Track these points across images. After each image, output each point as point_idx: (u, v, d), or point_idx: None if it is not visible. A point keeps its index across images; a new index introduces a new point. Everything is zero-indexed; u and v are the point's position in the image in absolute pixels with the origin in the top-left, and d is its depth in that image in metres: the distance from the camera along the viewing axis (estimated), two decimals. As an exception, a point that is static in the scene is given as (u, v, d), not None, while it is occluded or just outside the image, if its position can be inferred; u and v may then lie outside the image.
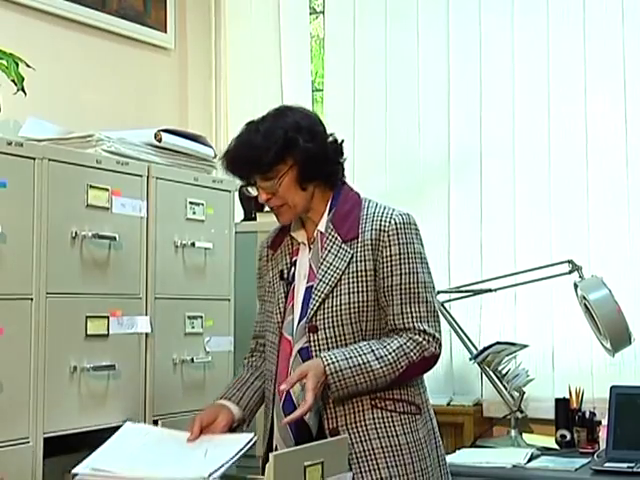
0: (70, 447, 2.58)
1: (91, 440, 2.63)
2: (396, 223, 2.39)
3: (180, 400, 2.85)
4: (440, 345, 2.39)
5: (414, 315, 2.37)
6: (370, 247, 2.38)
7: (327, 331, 2.36)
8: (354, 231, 2.41)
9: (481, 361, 3.47)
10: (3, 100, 2.66)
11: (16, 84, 2.66)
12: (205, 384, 2.94)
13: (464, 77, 3.85)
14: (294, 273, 2.46)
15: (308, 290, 2.41)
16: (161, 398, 2.77)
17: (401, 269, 2.37)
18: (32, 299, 2.38)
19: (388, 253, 2.38)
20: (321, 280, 2.38)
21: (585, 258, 3.52)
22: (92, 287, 2.57)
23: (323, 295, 2.37)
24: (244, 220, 3.63)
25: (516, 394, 3.47)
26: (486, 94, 3.80)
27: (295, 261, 2.47)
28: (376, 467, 2.33)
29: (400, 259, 2.38)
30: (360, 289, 2.37)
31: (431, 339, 2.36)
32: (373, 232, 2.39)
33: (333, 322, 2.35)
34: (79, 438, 2.56)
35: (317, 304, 2.37)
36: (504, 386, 3.48)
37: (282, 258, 2.50)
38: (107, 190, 2.61)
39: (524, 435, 3.47)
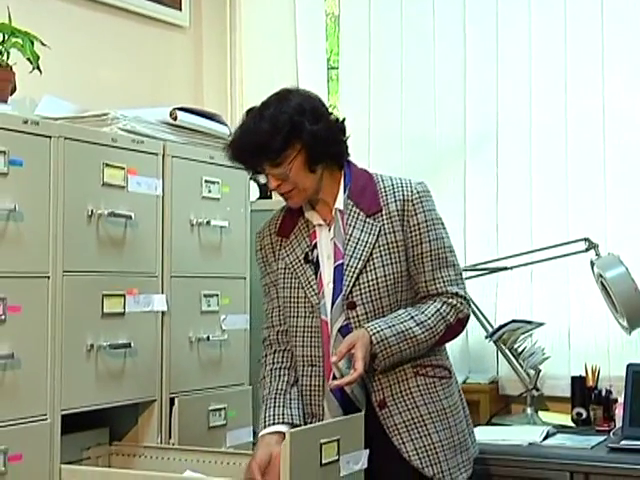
0: (87, 425, 2.61)
1: (108, 417, 2.66)
2: (418, 192, 2.45)
3: (196, 378, 2.86)
4: (470, 306, 2.50)
5: (445, 279, 2.44)
6: (397, 218, 2.42)
7: (365, 306, 2.39)
8: (376, 205, 2.44)
9: (497, 339, 3.47)
10: (19, 79, 2.67)
11: (31, 62, 2.66)
12: (221, 362, 2.95)
13: (481, 53, 3.81)
14: (318, 254, 2.47)
15: (338, 268, 2.42)
16: (177, 376, 2.78)
17: (429, 236, 2.43)
18: (49, 277, 2.39)
19: (415, 222, 2.43)
20: (352, 256, 2.41)
21: (602, 236, 3.49)
22: (108, 265, 2.57)
23: (357, 271, 2.40)
24: (259, 198, 3.62)
25: (532, 372, 3.47)
26: (503, 71, 3.77)
27: (316, 243, 2.48)
28: (426, 433, 2.41)
29: (427, 226, 2.44)
30: (393, 260, 2.41)
31: (463, 301, 2.45)
32: (398, 203, 2.43)
33: (370, 296, 2.39)
34: (96, 415, 2.58)
35: (352, 280, 2.39)
36: (520, 364, 3.48)
37: (300, 242, 2.50)
38: (123, 168, 2.61)
39: (540, 413, 3.46)
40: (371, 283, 2.39)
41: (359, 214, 2.44)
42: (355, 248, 2.41)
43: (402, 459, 2.39)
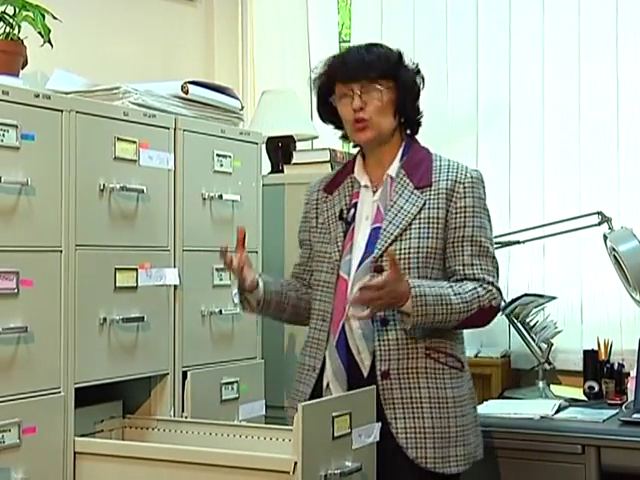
0: (100, 398, 2.62)
1: (121, 391, 2.68)
2: (472, 177, 2.48)
3: (209, 351, 2.87)
4: (502, 301, 2.52)
5: (483, 267, 2.45)
6: (445, 196, 2.45)
7: None
8: (427, 179, 2.47)
9: (509, 313, 3.46)
10: (30, 53, 2.66)
11: (43, 36, 2.66)
12: (233, 336, 2.95)
13: (493, 25, 3.79)
14: (354, 214, 2.50)
15: (374, 231, 2.45)
16: (190, 349, 2.79)
17: (473, 221, 2.45)
18: (61, 251, 2.40)
19: (462, 204, 2.45)
20: (391, 222, 2.43)
21: (615, 209, 3.48)
22: (120, 239, 2.58)
23: (392, 237, 2.42)
24: (271, 172, 3.62)
25: (544, 346, 3.47)
26: (515, 41, 3.74)
27: (356, 203, 2.52)
28: (421, 416, 2.40)
29: (473, 212, 2.45)
30: (430, 235, 2.43)
31: (497, 293, 2.46)
32: (449, 182, 2.46)
33: (400, 264, 2.38)
34: (109, 389, 2.59)
35: (386, 245, 2.42)
36: (532, 338, 3.48)
37: (340, 199, 2.56)
38: (134, 142, 2.61)
39: (552, 387, 3.47)
40: (403, 251, 2.41)
41: (408, 184, 2.47)
42: (396, 215, 2.44)
43: (390, 433, 2.39)
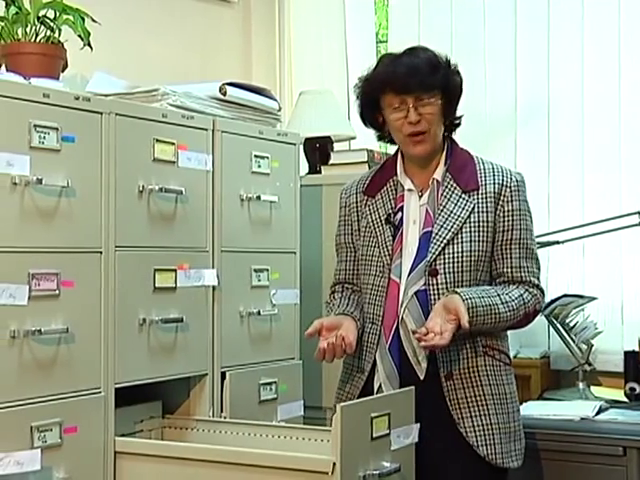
0: (139, 398, 2.64)
1: (160, 391, 2.69)
2: (517, 180, 2.51)
3: (247, 352, 2.87)
4: (544, 301, 2.57)
5: (529, 270, 2.50)
6: (493, 199, 2.47)
7: (447, 276, 2.43)
8: (474, 183, 2.49)
9: (549, 313, 3.44)
10: (70, 55, 2.68)
11: (82, 39, 2.68)
12: (272, 336, 2.96)
13: (531, 25, 3.76)
14: (401, 218, 2.51)
15: (425, 235, 2.46)
16: (228, 350, 2.80)
17: (520, 224, 2.49)
18: (101, 252, 2.41)
19: (510, 208, 2.48)
20: (442, 226, 2.45)
21: (656, 209, 3.45)
22: (159, 240, 2.59)
23: (445, 241, 2.44)
24: (309, 173, 3.62)
25: (584, 347, 3.44)
26: (554, 40, 3.72)
27: (402, 207, 2.52)
28: (486, 412, 2.44)
29: (520, 215, 2.49)
30: (480, 239, 2.46)
31: (541, 295, 2.51)
32: (496, 185, 2.48)
33: (453, 268, 2.43)
34: (149, 389, 2.61)
35: (439, 249, 2.44)
36: (572, 339, 3.45)
37: (384, 203, 2.56)
38: (173, 144, 2.62)
39: (592, 388, 3.44)
40: (456, 255, 2.43)
41: (455, 188, 2.48)
42: (447, 220, 2.45)
43: (458, 433, 2.42)
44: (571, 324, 3.46)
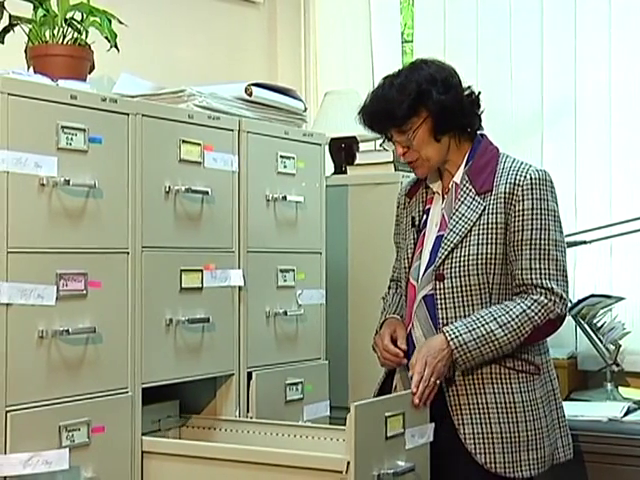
0: (164, 397, 2.65)
1: (186, 391, 2.70)
2: (532, 178, 2.42)
3: (273, 352, 2.88)
4: (566, 306, 2.41)
5: (542, 272, 2.39)
6: (503, 200, 2.42)
7: (454, 280, 2.41)
8: (489, 184, 2.45)
9: (576, 314, 3.42)
10: (97, 57, 2.70)
11: (109, 41, 2.69)
12: (298, 336, 2.96)
13: (558, 23, 3.74)
14: (426, 221, 2.53)
15: (438, 239, 2.47)
16: (254, 350, 2.80)
17: (532, 224, 2.40)
18: (128, 253, 2.43)
19: (521, 207, 2.40)
20: (452, 230, 2.44)
21: (684, 209, 3.42)
22: (186, 241, 2.60)
23: (452, 245, 2.42)
24: (334, 173, 3.62)
25: (612, 347, 3.42)
26: (580, 39, 3.69)
27: (428, 210, 2.55)
28: (488, 421, 2.38)
29: (532, 214, 2.40)
30: (489, 241, 2.41)
31: (557, 299, 2.38)
32: (507, 185, 2.42)
33: (460, 272, 2.40)
34: (174, 389, 2.62)
35: (446, 253, 2.42)
36: (599, 339, 3.43)
37: (416, 206, 2.59)
38: (199, 145, 2.63)
39: (620, 389, 3.41)
40: (462, 259, 2.40)
41: (470, 190, 2.46)
42: (457, 223, 2.44)
43: (458, 439, 2.38)
44: (598, 324, 3.44)
